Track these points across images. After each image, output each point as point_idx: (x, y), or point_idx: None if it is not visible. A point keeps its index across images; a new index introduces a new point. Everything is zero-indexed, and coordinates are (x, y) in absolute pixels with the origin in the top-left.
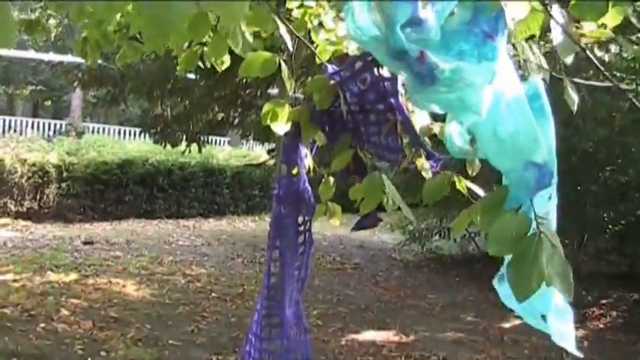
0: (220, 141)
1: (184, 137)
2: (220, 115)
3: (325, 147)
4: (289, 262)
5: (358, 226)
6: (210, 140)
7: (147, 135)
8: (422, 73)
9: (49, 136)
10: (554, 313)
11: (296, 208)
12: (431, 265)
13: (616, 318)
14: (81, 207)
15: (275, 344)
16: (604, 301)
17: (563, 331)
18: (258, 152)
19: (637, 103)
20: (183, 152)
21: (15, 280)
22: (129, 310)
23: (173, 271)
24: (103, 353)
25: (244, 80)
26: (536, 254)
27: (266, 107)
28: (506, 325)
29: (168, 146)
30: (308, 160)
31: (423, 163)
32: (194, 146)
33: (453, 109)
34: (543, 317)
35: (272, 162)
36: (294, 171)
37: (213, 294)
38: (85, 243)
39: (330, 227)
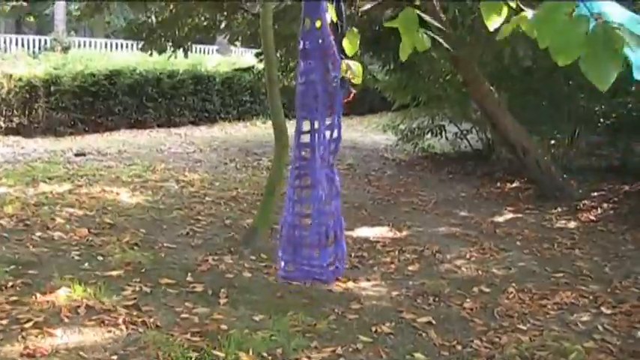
0: (208, 50)
1: (171, 43)
2: (206, 20)
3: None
4: (318, 117)
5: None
6: (198, 49)
7: (133, 46)
8: None
9: (34, 52)
10: None
11: (323, 63)
12: (423, 163)
13: (607, 210)
14: (71, 120)
15: (306, 206)
16: (595, 194)
17: None
18: (248, 59)
19: None
20: (169, 57)
21: (8, 193)
22: (123, 216)
23: (166, 178)
24: (99, 258)
25: None
26: (605, 40)
27: None
28: (499, 219)
29: (157, 56)
30: (331, 14)
31: None
32: (183, 54)
33: None
34: None
35: (261, 66)
36: (318, 24)
37: (207, 198)
38: (77, 155)
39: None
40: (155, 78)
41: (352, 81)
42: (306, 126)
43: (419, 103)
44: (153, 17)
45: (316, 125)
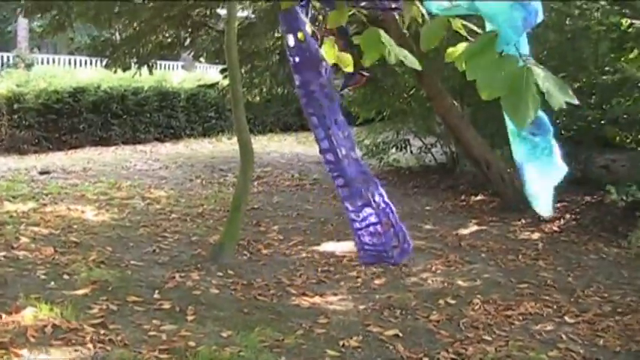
0: (173, 65)
1: (135, 60)
2: (170, 37)
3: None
4: (329, 124)
5: (345, 85)
6: (163, 66)
7: (98, 63)
8: None
9: None
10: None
11: (317, 71)
12: (389, 177)
13: (569, 220)
14: (35, 138)
15: (351, 201)
16: (558, 205)
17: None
18: (212, 75)
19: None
20: (134, 75)
21: None
22: (89, 234)
23: (132, 195)
24: (66, 277)
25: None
26: (528, 82)
27: None
28: (464, 232)
29: (122, 73)
30: (308, 27)
31: (418, 8)
32: (148, 71)
33: None
34: None
35: (226, 82)
36: (300, 36)
37: (173, 215)
38: (42, 173)
39: (289, 146)
40: (119, 95)
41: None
42: (322, 132)
43: (383, 118)
44: (117, 34)
45: (330, 131)
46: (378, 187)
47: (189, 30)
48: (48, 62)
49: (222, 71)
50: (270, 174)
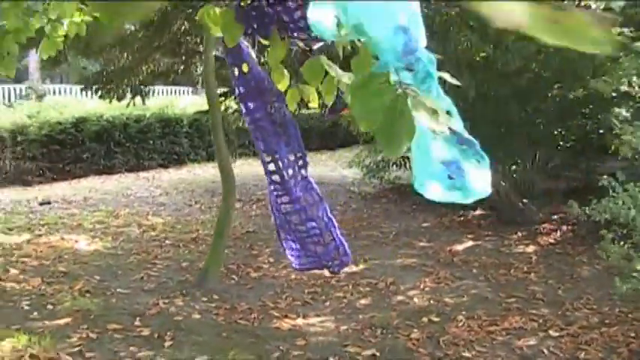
0: (183, 90)
1: (129, 90)
2: (164, 65)
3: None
4: (276, 149)
5: (330, 113)
6: (171, 91)
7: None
8: None
9: (9, 101)
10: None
11: (262, 101)
12: (389, 195)
13: (566, 232)
14: (39, 169)
15: (296, 217)
16: (555, 217)
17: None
18: None
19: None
20: (128, 105)
21: None
22: (79, 263)
23: (128, 223)
24: (49, 307)
25: (183, 28)
26: (402, 111)
27: (200, 12)
28: (458, 247)
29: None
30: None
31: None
32: (143, 100)
33: None
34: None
35: (234, 105)
36: (245, 68)
37: (167, 241)
38: (42, 203)
39: None
40: (122, 123)
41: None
42: (267, 156)
43: None
44: (113, 64)
45: (277, 155)
46: (322, 203)
47: (183, 58)
48: (59, 92)
49: (223, 95)
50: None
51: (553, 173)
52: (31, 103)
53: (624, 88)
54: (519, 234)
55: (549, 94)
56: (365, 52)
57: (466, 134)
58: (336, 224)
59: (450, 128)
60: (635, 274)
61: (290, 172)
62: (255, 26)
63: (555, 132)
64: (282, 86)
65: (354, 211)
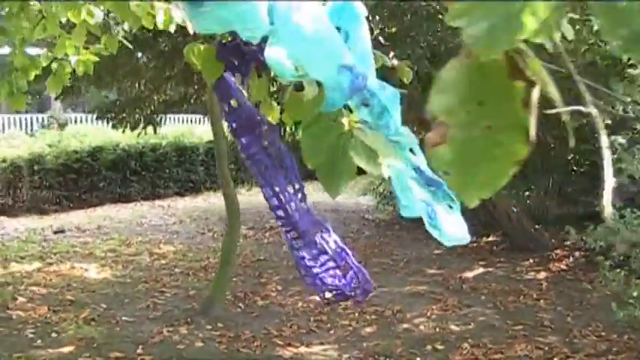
0: (198, 119)
1: (142, 119)
2: (176, 94)
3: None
4: (275, 182)
5: None
6: (190, 119)
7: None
8: None
9: (32, 130)
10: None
11: (256, 134)
12: (402, 222)
13: (579, 258)
14: (55, 198)
15: (308, 251)
16: (568, 243)
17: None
18: None
19: None
20: (139, 135)
21: None
22: (87, 292)
23: (140, 251)
24: (54, 335)
25: None
26: (344, 150)
27: (186, 49)
28: (469, 275)
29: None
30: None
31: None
32: (155, 129)
33: (234, 26)
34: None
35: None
36: (234, 103)
37: (176, 269)
38: (56, 232)
39: (308, 194)
40: (138, 152)
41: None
42: (269, 191)
43: None
44: (126, 94)
45: (277, 189)
46: (331, 233)
47: (196, 87)
48: (81, 121)
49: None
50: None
51: (568, 198)
52: (53, 132)
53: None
54: (531, 260)
55: (562, 120)
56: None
57: (431, 174)
58: (349, 252)
59: (416, 168)
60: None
61: (293, 205)
62: (236, 63)
63: (569, 157)
64: (272, 118)
65: (367, 239)
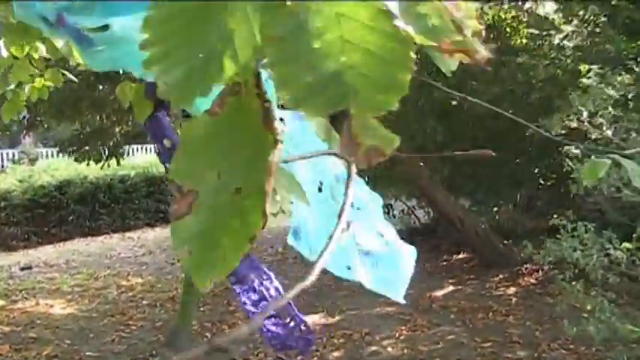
0: None
1: (105, 152)
2: (140, 125)
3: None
4: None
5: None
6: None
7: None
8: (79, 36)
9: (2, 166)
10: (370, 263)
11: None
12: None
13: (547, 272)
14: (24, 234)
15: (248, 296)
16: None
17: (389, 277)
18: None
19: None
20: (102, 167)
21: None
22: (51, 328)
23: (108, 285)
24: None
25: None
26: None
27: (118, 89)
28: (438, 294)
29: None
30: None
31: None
32: (118, 161)
33: (126, 66)
34: (349, 268)
35: None
36: (167, 143)
37: (144, 301)
38: (23, 268)
39: (276, 220)
40: (106, 184)
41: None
42: None
43: (368, 182)
44: (88, 127)
45: None
46: (272, 280)
47: None
48: (52, 155)
49: None
50: (255, 249)
51: (539, 212)
52: (23, 168)
53: (574, 124)
54: (501, 276)
55: (526, 134)
56: None
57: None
58: (291, 301)
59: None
60: (585, 315)
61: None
62: (166, 104)
63: (536, 171)
64: (140, 115)
65: None
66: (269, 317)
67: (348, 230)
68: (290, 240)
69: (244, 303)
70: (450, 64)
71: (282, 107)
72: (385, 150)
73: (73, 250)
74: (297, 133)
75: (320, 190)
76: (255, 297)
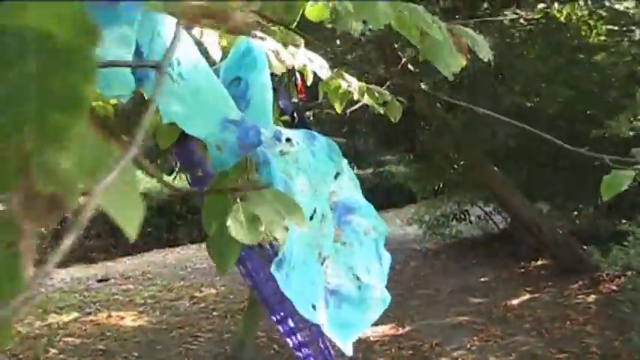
0: None
1: (176, 164)
2: None
3: None
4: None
5: None
6: None
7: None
8: None
9: None
10: (334, 303)
11: None
12: (450, 251)
13: (631, 277)
14: (103, 246)
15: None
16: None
17: (347, 321)
18: None
19: None
20: (174, 179)
21: (13, 328)
22: (119, 340)
23: (181, 296)
24: None
25: None
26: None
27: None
28: (514, 302)
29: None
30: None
31: None
32: None
33: (101, 90)
34: (314, 307)
35: None
36: (199, 173)
37: (215, 312)
38: (100, 280)
39: None
40: (182, 196)
41: None
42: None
43: (436, 192)
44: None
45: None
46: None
47: None
48: None
49: None
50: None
51: (623, 215)
52: None
53: None
54: (580, 283)
55: (605, 135)
56: None
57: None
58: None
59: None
60: None
61: (261, 274)
62: None
63: None
64: (164, 144)
65: (413, 269)
66: (299, 346)
67: (322, 266)
68: (273, 269)
69: (288, 344)
70: (452, 68)
71: (295, 127)
72: (67, 199)
73: (150, 262)
74: (304, 155)
75: (311, 217)
76: (287, 327)
